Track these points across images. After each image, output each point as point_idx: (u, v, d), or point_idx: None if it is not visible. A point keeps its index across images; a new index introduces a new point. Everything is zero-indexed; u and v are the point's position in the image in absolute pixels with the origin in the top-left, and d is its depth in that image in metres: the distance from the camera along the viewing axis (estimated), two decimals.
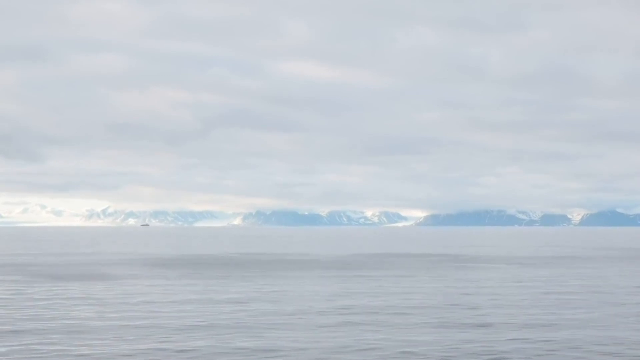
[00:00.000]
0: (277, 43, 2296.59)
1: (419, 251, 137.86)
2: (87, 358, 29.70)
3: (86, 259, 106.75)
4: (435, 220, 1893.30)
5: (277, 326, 37.74)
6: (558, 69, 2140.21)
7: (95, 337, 34.22)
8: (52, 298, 50.56)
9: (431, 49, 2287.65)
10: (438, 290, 57.17)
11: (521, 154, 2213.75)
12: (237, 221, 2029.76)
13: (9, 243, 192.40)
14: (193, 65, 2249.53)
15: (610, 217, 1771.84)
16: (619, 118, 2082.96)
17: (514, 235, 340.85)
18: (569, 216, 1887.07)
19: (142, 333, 35.27)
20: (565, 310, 45.09)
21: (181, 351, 30.96)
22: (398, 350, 31.42)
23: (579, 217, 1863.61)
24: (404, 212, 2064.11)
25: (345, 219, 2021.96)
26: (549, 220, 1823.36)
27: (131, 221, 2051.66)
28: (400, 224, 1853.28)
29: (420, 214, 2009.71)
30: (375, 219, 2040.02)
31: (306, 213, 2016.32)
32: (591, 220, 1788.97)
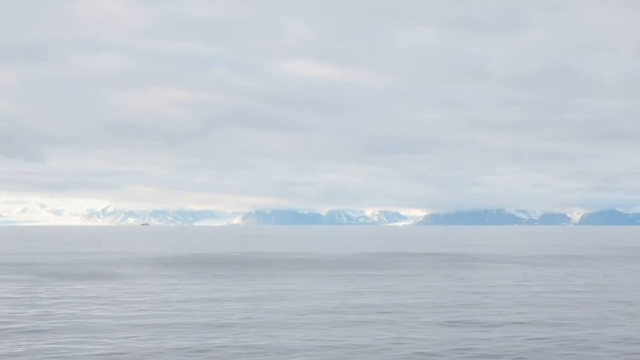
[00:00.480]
0: (277, 43, 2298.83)
1: (421, 250, 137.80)
2: (107, 357, 29.69)
3: (90, 258, 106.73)
4: (434, 219, 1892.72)
5: (290, 325, 37.69)
6: (558, 69, 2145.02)
7: (112, 335, 34.20)
8: (63, 297, 50.53)
9: (431, 49, 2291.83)
10: (447, 290, 57.17)
11: (521, 154, 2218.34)
12: (236, 220, 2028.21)
13: (10, 242, 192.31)
14: (193, 65, 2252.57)
15: (610, 217, 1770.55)
16: (618, 118, 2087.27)
17: (514, 235, 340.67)
18: (568, 215, 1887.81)
19: (158, 332, 35.27)
20: (577, 309, 45.09)
21: (198, 351, 30.92)
22: (412, 351, 31.33)
23: (579, 217, 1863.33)
24: (403, 212, 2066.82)
25: (344, 219, 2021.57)
26: (548, 219, 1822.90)
27: (131, 220, 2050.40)
28: (400, 224, 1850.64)
29: (419, 213, 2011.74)
30: (375, 218, 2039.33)
31: (306, 212, 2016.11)
32: (591, 219, 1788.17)
